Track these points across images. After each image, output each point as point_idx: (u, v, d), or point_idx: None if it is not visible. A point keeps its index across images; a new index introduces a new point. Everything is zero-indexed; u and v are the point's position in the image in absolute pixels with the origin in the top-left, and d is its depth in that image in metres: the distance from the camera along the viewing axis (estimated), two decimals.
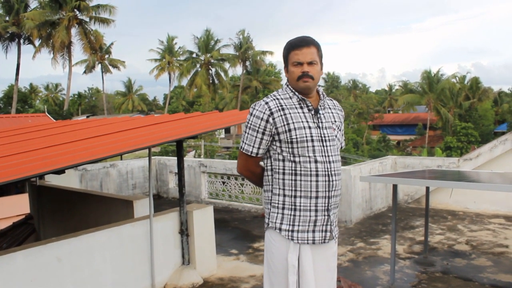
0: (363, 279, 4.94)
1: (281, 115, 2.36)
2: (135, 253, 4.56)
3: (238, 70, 49.51)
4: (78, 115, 47.03)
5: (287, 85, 2.47)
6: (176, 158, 10.64)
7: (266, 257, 2.52)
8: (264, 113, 2.37)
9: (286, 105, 2.39)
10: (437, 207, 8.25)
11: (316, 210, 2.39)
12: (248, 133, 2.43)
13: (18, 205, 10.55)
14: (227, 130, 51.07)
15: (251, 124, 2.41)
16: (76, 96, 62.65)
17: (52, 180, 8.19)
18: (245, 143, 2.45)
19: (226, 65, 47.86)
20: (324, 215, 2.41)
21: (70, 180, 9.01)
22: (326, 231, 2.42)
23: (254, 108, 2.41)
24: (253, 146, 2.43)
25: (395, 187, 4.66)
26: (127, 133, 4.48)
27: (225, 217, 8.26)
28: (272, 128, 2.37)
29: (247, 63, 47.94)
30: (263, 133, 2.39)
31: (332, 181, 2.40)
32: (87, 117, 37.19)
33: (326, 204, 2.40)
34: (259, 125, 2.38)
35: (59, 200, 7.16)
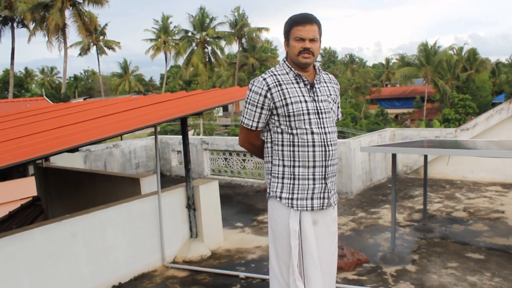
0: (365, 246, 5.13)
1: (278, 90, 2.49)
2: (145, 228, 4.73)
3: (234, 48, 49.27)
4: (75, 98, 46.87)
5: (284, 61, 2.59)
6: (177, 136, 10.78)
7: (270, 225, 2.69)
8: (262, 88, 2.50)
9: (283, 81, 2.52)
10: (435, 177, 8.43)
11: (314, 179, 2.54)
12: (248, 108, 2.57)
13: (23, 188, 10.69)
14: (225, 108, 51.04)
15: (250, 99, 2.55)
16: (72, 79, 62.26)
17: (57, 162, 8.31)
18: (245, 117, 2.60)
19: (222, 43, 47.54)
20: (322, 183, 2.56)
21: (74, 161, 9.12)
22: (324, 198, 2.57)
23: (253, 84, 2.55)
24: (253, 120, 2.57)
25: (394, 157, 4.78)
26: (133, 112, 4.58)
27: (229, 192, 8.43)
28: (270, 103, 2.51)
29: (243, 40, 47.55)
30: (262, 108, 2.53)
31: (328, 151, 2.54)
32: (84, 99, 37.06)
33: (323, 173, 2.55)
34: (258, 100, 2.52)
35: (66, 181, 7.30)
